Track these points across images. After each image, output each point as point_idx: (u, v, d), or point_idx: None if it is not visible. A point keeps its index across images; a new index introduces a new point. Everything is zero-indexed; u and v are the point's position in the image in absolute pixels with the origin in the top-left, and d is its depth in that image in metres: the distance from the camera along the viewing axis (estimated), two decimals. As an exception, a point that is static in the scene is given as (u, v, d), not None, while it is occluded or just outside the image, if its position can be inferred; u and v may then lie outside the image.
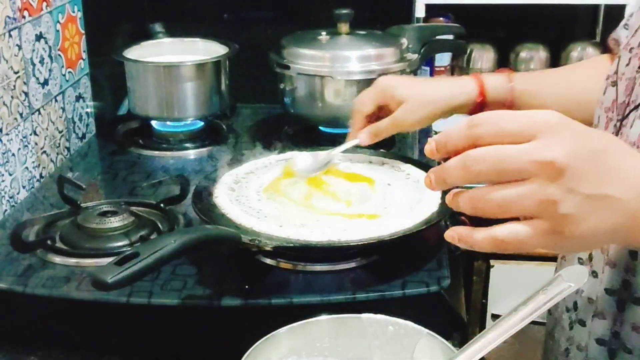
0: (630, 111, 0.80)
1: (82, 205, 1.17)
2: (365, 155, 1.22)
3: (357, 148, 1.28)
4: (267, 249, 0.96)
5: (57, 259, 1.04)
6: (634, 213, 0.58)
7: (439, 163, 1.41)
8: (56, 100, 1.43)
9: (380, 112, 1.13)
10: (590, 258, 0.84)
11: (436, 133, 1.71)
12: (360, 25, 1.53)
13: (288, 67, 1.45)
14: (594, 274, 0.84)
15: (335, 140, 1.43)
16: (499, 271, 1.65)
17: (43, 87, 1.37)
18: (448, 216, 1.12)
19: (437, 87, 1.12)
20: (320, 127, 1.50)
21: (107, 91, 1.67)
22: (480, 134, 0.58)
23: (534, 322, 1.00)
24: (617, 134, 0.82)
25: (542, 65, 1.86)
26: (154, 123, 1.54)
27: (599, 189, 0.57)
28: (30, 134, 1.32)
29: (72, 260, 1.04)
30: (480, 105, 1.06)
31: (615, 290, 0.81)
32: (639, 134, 0.77)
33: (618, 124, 0.82)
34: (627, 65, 0.84)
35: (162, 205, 1.17)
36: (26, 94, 1.31)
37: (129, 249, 0.85)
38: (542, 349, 1.02)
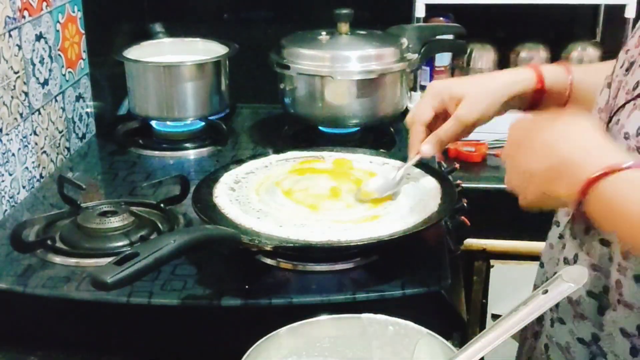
0: (613, 115, 0.80)
1: (82, 205, 1.17)
2: (365, 156, 1.22)
3: (357, 148, 1.29)
4: (267, 249, 0.96)
5: (57, 259, 1.04)
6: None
7: (439, 164, 1.41)
8: (56, 100, 1.43)
9: (437, 122, 1.07)
10: (575, 260, 0.84)
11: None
12: (360, 25, 1.53)
13: (288, 67, 1.45)
14: None
15: (336, 141, 1.44)
16: (499, 271, 1.65)
17: (43, 87, 1.37)
18: (448, 216, 1.13)
19: (494, 77, 1.08)
20: (320, 127, 1.50)
21: (107, 91, 1.67)
22: None
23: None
24: None
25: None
26: (154, 123, 1.54)
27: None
28: (30, 134, 1.32)
29: (72, 260, 1.04)
30: (539, 93, 1.02)
31: (597, 294, 0.81)
32: (613, 139, 0.76)
33: (605, 125, 0.82)
34: (621, 67, 0.84)
35: (162, 205, 1.17)
36: (26, 94, 1.31)
37: (128, 249, 0.85)
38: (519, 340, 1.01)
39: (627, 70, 0.81)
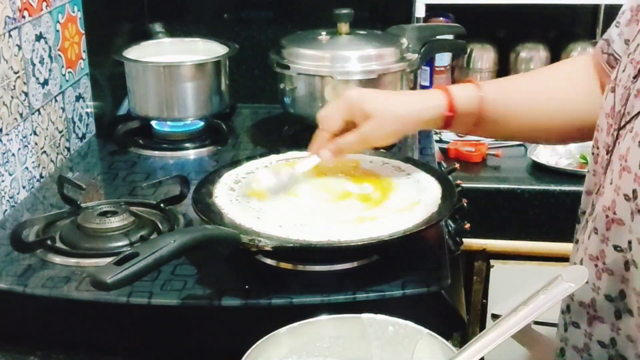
0: (626, 123, 0.80)
1: (82, 205, 1.17)
2: (365, 156, 1.22)
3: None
4: (267, 249, 0.96)
5: (57, 259, 1.04)
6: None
7: (439, 164, 1.40)
8: (56, 100, 1.43)
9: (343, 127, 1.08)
10: (581, 263, 0.84)
11: (437, 133, 1.71)
12: (360, 25, 1.53)
13: (288, 67, 1.45)
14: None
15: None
16: (499, 271, 1.65)
17: (43, 87, 1.37)
18: (448, 216, 1.13)
19: (405, 101, 1.08)
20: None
21: (107, 91, 1.67)
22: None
23: (538, 323, 1.00)
24: (614, 143, 0.82)
25: (542, 66, 1.86)
26: (154, 123, 1.54)
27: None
28: (30, 134, 1.32)
29: (72, 260, 1.04)
30: (449, 118, 1.03)
31: (614, 298, 0.81)
32: (627, 147, 0.77)
33: (615, 133, 0.82)
34: (624, 71, 0.84)
35: (162, 205, 1.17)
36: (26, 94, 1.31)
37: (128, 249, 0.85)
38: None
39: (636, 77, 0.80)
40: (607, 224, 0.80)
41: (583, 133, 1.02)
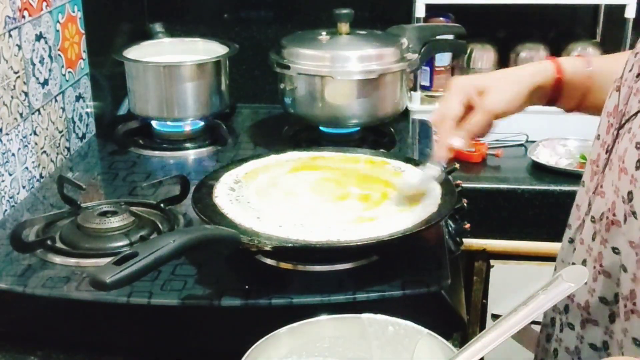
0: (625, 122, 0.79)
1: (82, 205, 1.17)
2: (366, 156, 1.22)
3: (357, 148, 1.29)
4: (267, 249, 0.96)
5: (57, 259, 1.04)
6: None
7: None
8: (56, 100, 1.43)
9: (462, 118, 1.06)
10: (584, 265, 0.84)
11: (437, 133, 1.71)
12: (360, 25, 1.53)
13: (288, 67, 1.45)
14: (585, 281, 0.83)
15: (336, 141, 1.44)
16: (499, 271, 1.65)
17: (43, 87, 1.37)
18: (448, 216, 1.13)
19: (514, 69, 1.10)
20: (320, 127, 1.51)
21: (107, 91, 1.67)
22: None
23: (538, 323, 1.00)
24: (613, 143, 0.82)
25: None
26: (154, 123, 1.54)
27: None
28: (30, 134, 1.32)
29: (72, 260, 1.04)
30: (558, 84, 1.03)
31: (609, 301, 0.81)
32: (625, 148, 0.77)
33: (615, 132, 0.82)
34: (630, 70, 0.83)
35: (162, 205, 1.17)
36: (26, 94, 1.31)
37: (128, 249, 0.85)
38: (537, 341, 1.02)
39: (639, 75, 0.80)
40: (607, 226, 0.79)
41: None
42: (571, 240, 0.91)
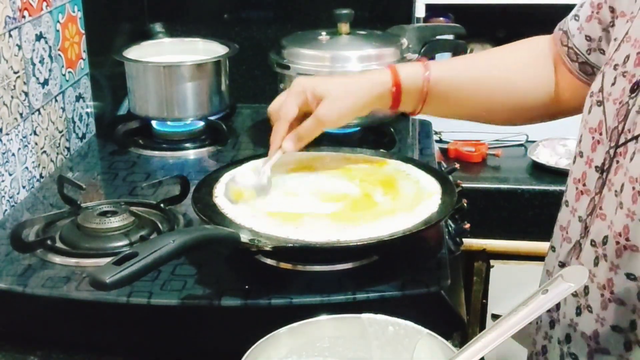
0: (628, 141, 0.77)
1: (82, 205, 1.17)
2: (366, 156, 1.22)
3: (357, 148, 1.28)
4: (267, 249, 0.96)
5: (57, 259, 1.04)
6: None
7: (439, 164, 1.41)
8: (56, 100, 1.43)
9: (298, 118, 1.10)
10: (586, 292, 0.81)
11: (437, 133, 1.71)
12: (360, 25, 1.53)
13: (288, 67, 1.45)
14: (589, 308, 0.81)
15: (336, 141, 1.44)
16: (499, 271, 1.65)
17: (43, 87, 1.37)
18: (448, 216, 1.12)
19: (355, 79, 1.10)
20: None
21: (107, 91, 1.67)
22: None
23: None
24: (610, 162, 0.79)
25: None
26: (154, 123, 1.54)
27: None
28: (30, 134, 1.32)
29: (72, 260, 1.04)
30: (396, 94, 1.05)
31: (623, 329, 0.78)
32: None
33: (612, 150, 0.79)
34: (613, 84, 0.81)
35: (162, 205, 1.17)
36: (26, 94, 1.31)
37: (128, 249, 0.85)
38: None
39: (633, 91, 0.78)
40: (617, 251, 0.76)
41: (530, 117, 1.07)
42: (562, 265, 0.89)
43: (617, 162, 0.78)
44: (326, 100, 1.04)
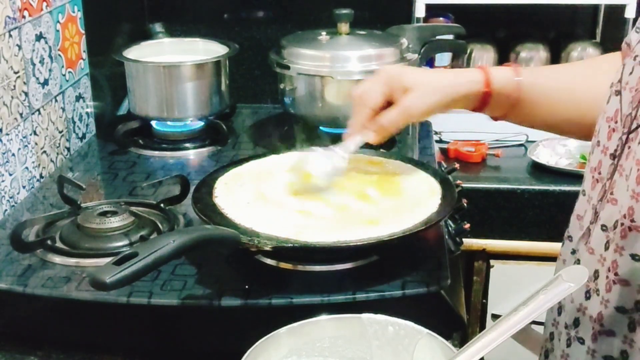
0: (638, 126, 0.77)
1: (82, 205, 1.17)
2: (366, 156, 1.22)
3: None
4: (267, 249, 0.96)
5: (57, 259, 1.04)
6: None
7: (439, 164, 1.41)
8: (56, 100, 1.43)
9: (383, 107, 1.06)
10: (596, 277, 0.81)
11: (437, 133, 1.71)
12: (360, 25, 1.53)
13: (288, 67, 1.45)
14: (597, 292, 0.81)
15: (336, 141, 1.43)
16: (499, 271, 1.65)
17: (43, 87, 1.38)
18: (448, 216, 1.13)
19: (443, 74, 1.07)
20: (321, 127, 1.50)
21: (107, 91, 1.67)
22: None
23: (538, 323, 1.00)
24: (622, 148, 0.79)
25: (542, 65, 1.86)
26: (154, 123, 1.54)
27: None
28: (30, 134, 1.32)
29: (72, 260, 1.04)
30: (485, 96, 1.01)
31: (628, 310, 0.78)
32: None
33: (624, 137, 0.79)
34: (631, 74, 0.81)
35: (162, 205, 1.17)
36: (26, 94, 1.31)
37: (128, 249, 0.85)
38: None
39: None
40: (622, 232, 0.76)
41: None
42: (574, 251, 0.89)
43: (629, 147, 0.78)
44: (414, 92, 1.00)
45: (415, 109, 1.01)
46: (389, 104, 1.03)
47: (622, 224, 0.77)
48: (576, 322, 0.86)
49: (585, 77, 1.05)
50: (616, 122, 0.82)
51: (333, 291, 0.96)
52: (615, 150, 0.81)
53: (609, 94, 0.85)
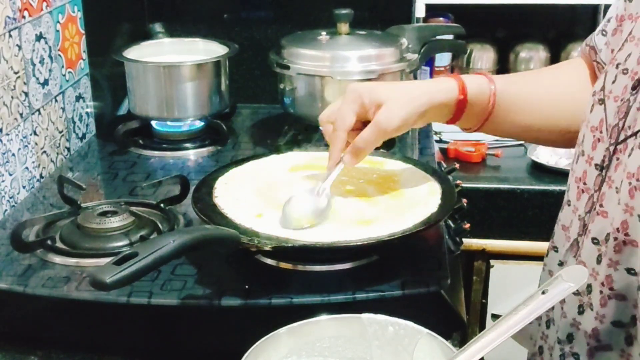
0: (628, 137, 0.76)
1: (82, 205, 1.17)
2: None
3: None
4: (267, 249, 0.96)
5: (57, 259, 1.04)
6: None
7: (439, 164, 1.41)
8: (56, 100, 1.43)
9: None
10: (590, 291, 0.81)
11: (437, 133, 1.71)
12: (360, 25, 1.53)
13: (288, 67, 1.45)
14: (591, 306, 0.81)
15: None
16: (499, 271, 1.65)
17: (43, 87, 1.38)
18: (448, 216, 1.13)
19: (417, 84, 1.05)
20: (321, 127, 1.50)
21: (107, 91, 1.67)
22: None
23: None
24: (610, 159, 0.79)
25: (542, 66, 1.87)
26: (154, 123, 1.54)
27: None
28: (30, 134, 1.32)
29: (72, 260, 1.04)
30: (461, 104, 0.98)
31: (625, 324, 0.78)
32: (639, 165, 0.73)
33: (612, 148, 0.79)
34: (614, 82, 0.81)
35: (162, 205, 1.17)
36: (26, 94, 1.31)
37: (128, 249, 0.85)
38: None
39: (634, 88, 0.77)
40: (616, 247, 0.76)
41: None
42: (561, 263, 0.88)
43: (617, 159, 0.78)
44: (386, 106, 0.95)
45: (389, 123, 0.96)
46: (364, 124, 0.99)
47: (615, 238, 0.76)
48: (570, 338, 0.85)
49: (552, 83, 1.04)
50: (601, 132, 0.81)
51: (333, 291, 0.96)
52: (603, 162, 0.81)
53: (592, 102, 0.84)
